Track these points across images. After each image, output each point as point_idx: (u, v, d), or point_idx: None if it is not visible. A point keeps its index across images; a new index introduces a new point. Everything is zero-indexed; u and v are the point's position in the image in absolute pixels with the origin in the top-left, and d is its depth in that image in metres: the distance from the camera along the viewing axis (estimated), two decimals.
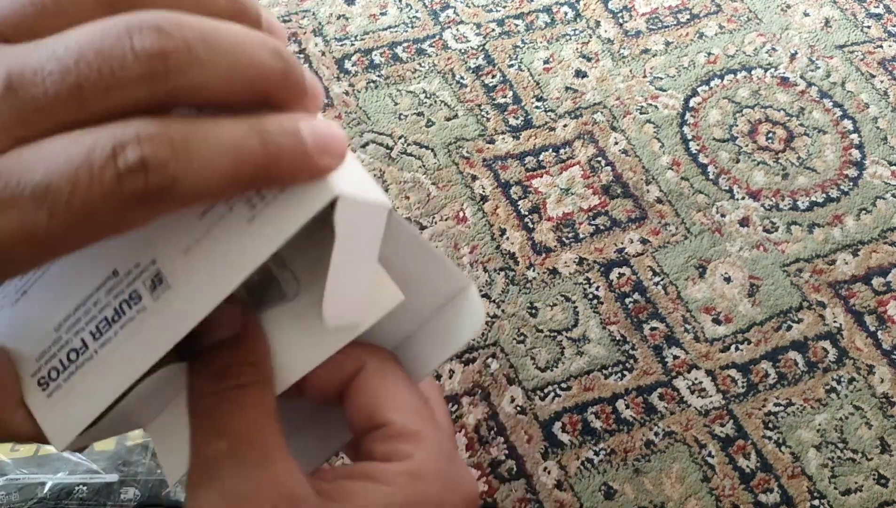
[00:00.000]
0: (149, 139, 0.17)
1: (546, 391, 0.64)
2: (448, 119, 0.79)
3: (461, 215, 0.73)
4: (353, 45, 0.83)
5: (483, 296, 0.69)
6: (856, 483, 0.62)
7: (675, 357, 0.67)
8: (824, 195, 0.76)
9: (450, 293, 0.23)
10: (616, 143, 0.78)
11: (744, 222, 0.74)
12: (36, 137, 0.17)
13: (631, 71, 0.83)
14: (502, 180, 0.75)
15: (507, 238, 0.72)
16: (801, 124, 0.81)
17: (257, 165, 0.18)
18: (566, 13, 0.87)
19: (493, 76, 0.82)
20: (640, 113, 0.80)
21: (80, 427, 0.22)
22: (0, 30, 0.18)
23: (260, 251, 0.19)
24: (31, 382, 0.23)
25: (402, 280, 0.22)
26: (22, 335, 0.23)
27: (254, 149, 0.18)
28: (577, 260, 0.71)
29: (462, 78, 0.82)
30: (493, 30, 0.86)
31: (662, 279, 0.70)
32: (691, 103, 0.81)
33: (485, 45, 0.84)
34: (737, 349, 0.67)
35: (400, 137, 0.77)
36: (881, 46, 0.86)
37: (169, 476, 0.23)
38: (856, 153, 0.79)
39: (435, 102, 0.80)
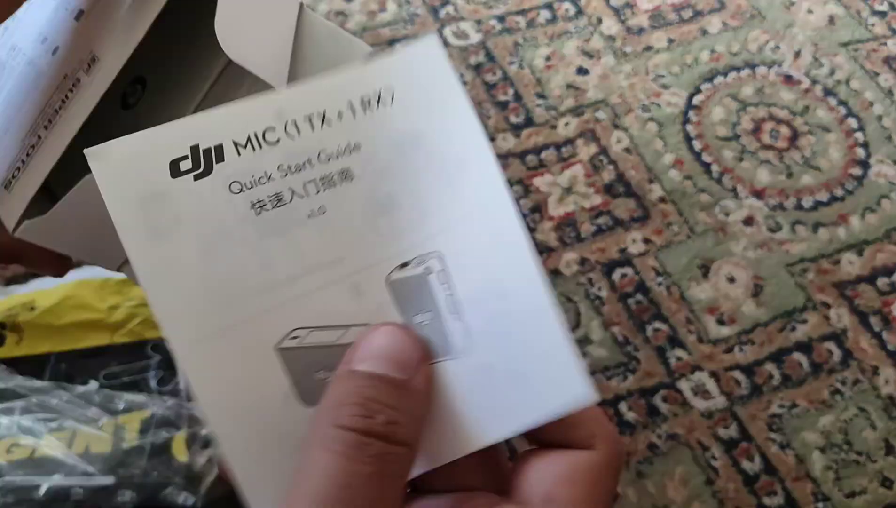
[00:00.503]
0: None
1: None
2: None
3: None
4: None
5: None
6: (860, 485, 0.62)
7: (679, 359, 0.66)
8: (829, 194, 0.76)
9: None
10: (618, 141, 0.77)
11: (748, 221, 0.73)
12: None
13: (633, 68, 0.82)
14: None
15: None
16: (806, 123, 0.80)
17: None
18: (568, 10, 0.87)
19: (494, 73, 0.81)
20: (643, 111, 0.79)
21: (26, 200, 0.23)
22: None
23: (151, 11, 0.21)
24: (1, 188, 0.25)
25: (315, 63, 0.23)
26: (2, 162, 0.25)
27: None
28: (578, 260, 0.70)
29: (462, 75, 0.81)
30: (494, 26, 0.85)
31: (665, 280, 0.70)
32: (694, 101, 0.80)
33: (485, 41, 0.84)
34: (741, 350, 0.67)
35: None
36: (885, 44, 0.86)
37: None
38: (860, 152, 0.78)
39: None
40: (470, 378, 0.21)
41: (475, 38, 0.84)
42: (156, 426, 0.55)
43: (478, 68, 0.82)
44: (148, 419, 0.56)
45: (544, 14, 0.86)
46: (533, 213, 0.73)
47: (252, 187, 0.20)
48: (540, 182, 0.75)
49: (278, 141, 0.20)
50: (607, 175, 0.75)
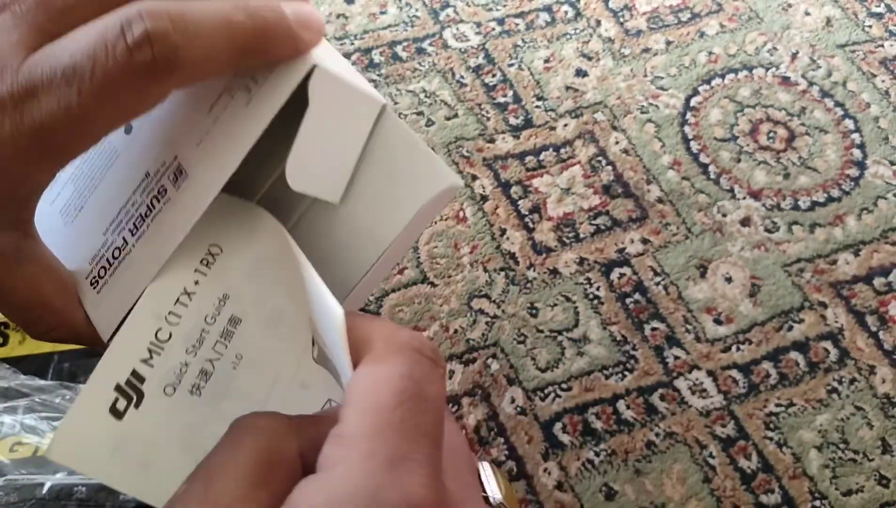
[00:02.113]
0: (150, 15, 0.19)
1: (546, 391, 0.64)
2: (448, 118, 0.78)
3: (461, 214, 0.73)
4: (352, 44, 0.83)
5: (483, 296, 0.68)
6: (857, 483, 0.62)
7: (677, 358, 0.66)
8: (826, 195, 0.76)
9: (438, 191, 0.23)
10: (617, 142, 0.78)
11: (745, 221, 0.74)
12: (66, 33, 0.20)
13: (632, 70, 0.83)
14: (502, 180, 0.75)
15: (508, 238, 0.72)
16: (803, 124, 0.80)
17: (247, 36, 0.20)
18: (567, 12, 0.87)
19: (494, 75, 0.82)
20: (641, 112, 0.80)
21: (120, 316, 0.24)
22: None
23: (255, 126, 0.21)
24: (86, 284, 0.25)
25: (391, 176, 0.24)
26: (79, 244, 0.26)
27: (242, 21, 0.20)
28: (577, 260, 0.71)
29: (462, 77, 0.81)
30: (494, 29, 0.85)
31: (663, 279, 0.70)
32: (692, 103, 0.81)
33: (485, 44, 0.84)
34: (738, 349, 0.67)
35: None
36: (882, 46, 0.86)
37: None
38: (857, 153, 0.79)
39: (435, 101, 0.80)
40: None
41: (475, 40, 0.84)
42: None
43: (477, 70, 0.82)
44: None
45: (543, 16, 0.87)
46: (532, 213, 0.73)
47: (180, 381, 0.23)
48: (539, 183, 0.75)
49: (170, 336, 0.23)
50: (606, 176, 0.76)
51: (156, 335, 0.23)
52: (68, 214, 0.26)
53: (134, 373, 0.23)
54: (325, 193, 0.24)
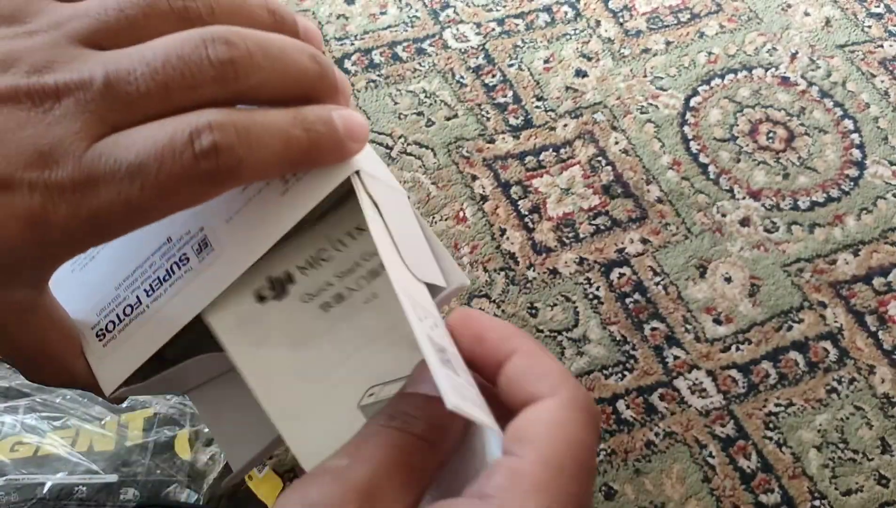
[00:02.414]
0: (219, 127, 0.20)
1: None
2: (448, 119, 0.79)
3: (461, 214, 0.73)
4: (352, 44, 0.83)
5: (483, 296, 0.69)
6: (856, 483, 0.62)
7: (676, 358, 0.66)
8: (825, 195, 0.76)
9: (450, 289, 0.25)
10: (616, 142, 0.78)
11: (745, 221, 0.74)
12: (128, 127, 0.21)
13: (631, 70, 0.83)
14: (502, 180, 0.75)
15: (507, 238, 0.72)
16: (802, 124, 0.80)
17: (301, 149, 0.22)
18: (566, 12, 0.87)
19: (494, 76, 0.82)
20: (641, 113, 0.80)
21: (127, 373, 0.25)
22: (97, 39, 0.22)
23: (290, 217, 0.23)
24: (91, 334, 0.26)
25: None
26: (87, 293, 0.26)
27: (299, 136, 0.22)
28: (577, 260, 0.71)
29: (462, 77, 0.81)
30: (494, 29, 0.86)
31: (663, 279, 0.70)
32: (692, 103, 0.81)
33: (485, 44, 0.84)
34: (737, 349, 0.67)
35: (400, 137, 0.77)
36: (882, 46, 0.86)
37: (220, 443, 0.28)
38: (856, 153, 0.79)
39: (435, 101, 0.80)
40: None
41: (475, 40, 0.84)
42: (159, 424, 0.56)
43: (477, 70, 0.82)
44: (151, 418, 0.56)
45: (543, 17, 0.87)
46: (532, 213, 0.73)
47: (318, 295, 0.25)
48: (539, 183, 0.75)
49: (329, 258, 0.25)
50: (605, 176, 0.76)
51: (318, 253, 0.25)
52: (77, 261, 0.27)
53: (286, 274, 0.25)
54: (436, 278, 0.25)
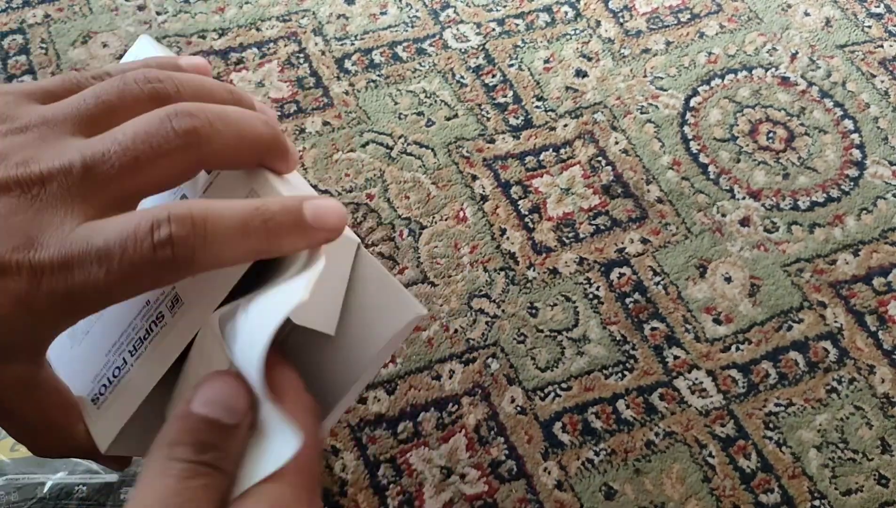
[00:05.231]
0: (176, 219, 0.22)
1: (546, 391, 0.64)
2: (448, 119, 0.79)
3: (461, 214, 0.73)
4: (353, 44, 0.83)
5: (483, 296, 0.69)
6: (856, 483, 0.62)
7: (676, 357, 0.67)
8: (825, 195, 0.76)
9: (406, 321, 0.26)
10: (616, 142, 0.78)
11: (744, 221, 0.74)
12: (114, 207, 0.23)
13: (631, 70, 0.83)
14: (502, 180, 0.75)
15: (508, 238, 0.72)
16: (802, 124, 0.81)
17: (260, 240, 0.23)
18: (566, 13, 0.87)
19: (494, 76, 0.82)
20: (641, 113, 0.80)
21: (117, 429, 0.27)
22: (81, 127, 0.24)
23: (240, 269, 0.24)
24: (88, 401, 0.28)
25: (366, 308, 0.26)
26: (85, 365, 0.28)
27: (258, 227, 0.23)
28: (577, 260, 0.71)
29: (462, 77, 0.81)
30: (494, 29, 0.86)
31: (663, 279, 0.70)
32: (692, 103, 0.81)
33: (485, 44, 0.84)
34: (737, 349, 0.67)
35: (400, 137, 0.77)
36: (882, 46, 0.86)
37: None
38: (857, 153, 0.79)
39: (435, 101, 0.80)
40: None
41: (475, 40, 0.85)
42: None
43: (477, 70, 0.82)
44: None
45: (543, 17, 0.87)
46: (532, 213, 0.73)
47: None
48: (539, 183, 0.75)
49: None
50: (605, 176, 0.76)
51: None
52: (75, 337, 0.29)
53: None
54: (324, 325, 0.26)
